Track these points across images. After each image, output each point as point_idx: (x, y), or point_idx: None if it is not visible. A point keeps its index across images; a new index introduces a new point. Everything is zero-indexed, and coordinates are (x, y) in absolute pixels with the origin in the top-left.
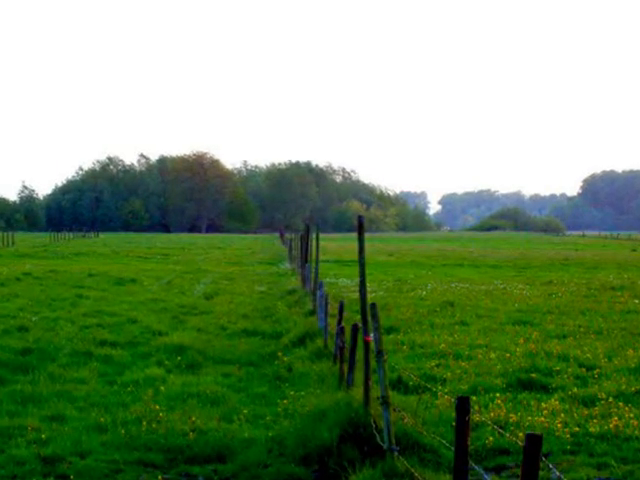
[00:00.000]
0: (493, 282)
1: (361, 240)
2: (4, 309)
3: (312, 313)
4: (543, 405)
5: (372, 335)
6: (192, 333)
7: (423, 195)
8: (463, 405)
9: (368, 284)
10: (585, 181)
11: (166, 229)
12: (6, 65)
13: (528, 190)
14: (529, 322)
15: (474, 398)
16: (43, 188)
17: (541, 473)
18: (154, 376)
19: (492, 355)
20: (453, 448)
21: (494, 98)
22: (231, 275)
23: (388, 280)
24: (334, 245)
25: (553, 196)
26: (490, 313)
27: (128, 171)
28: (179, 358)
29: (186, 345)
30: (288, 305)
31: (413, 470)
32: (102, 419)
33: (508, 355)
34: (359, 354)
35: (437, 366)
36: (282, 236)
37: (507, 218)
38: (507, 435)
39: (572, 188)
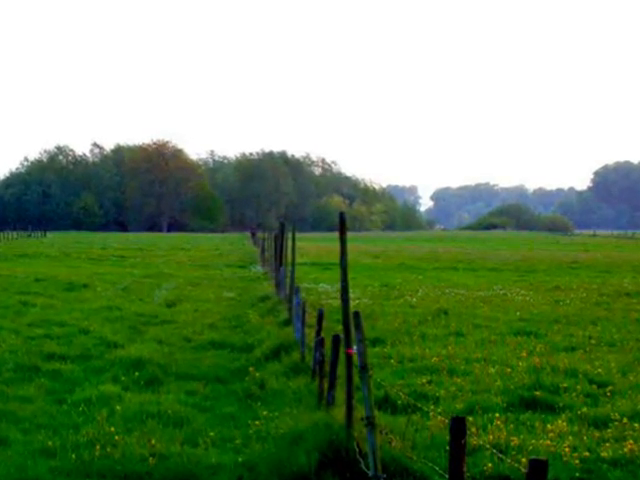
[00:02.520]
0: (492, 288)
1: (343, 240)
2: None
3: (288, 323)
4: (549, 427)
5: (355, 347)
6: (152, 345)
7: (413, 189)
8: (458, 427)
9: (351, 290)
10: (596, 174)
11: (123, 228)
12: None
13: (532, 184)
14: (533, 333)
15: (470, 419)
16: None
17: None
18: (109, 394)
19: (491, 370)
20: (447, 475)
21: (493, 81)
22: (196, 280)
23: (374, 285)
24: (312, 246)
25: (560, 191)
26: (489, 323)
27: (79, 162)
28: (137, 374)
29: (145, 359)
30: (260, 314)
31: None
32: (50, 442)
33: (509, 370)
34: (341, 369)
35: (429, 382)
36: (254, 235)
37: (508, 215)
38: (508, 460)
39: (581, 181)
